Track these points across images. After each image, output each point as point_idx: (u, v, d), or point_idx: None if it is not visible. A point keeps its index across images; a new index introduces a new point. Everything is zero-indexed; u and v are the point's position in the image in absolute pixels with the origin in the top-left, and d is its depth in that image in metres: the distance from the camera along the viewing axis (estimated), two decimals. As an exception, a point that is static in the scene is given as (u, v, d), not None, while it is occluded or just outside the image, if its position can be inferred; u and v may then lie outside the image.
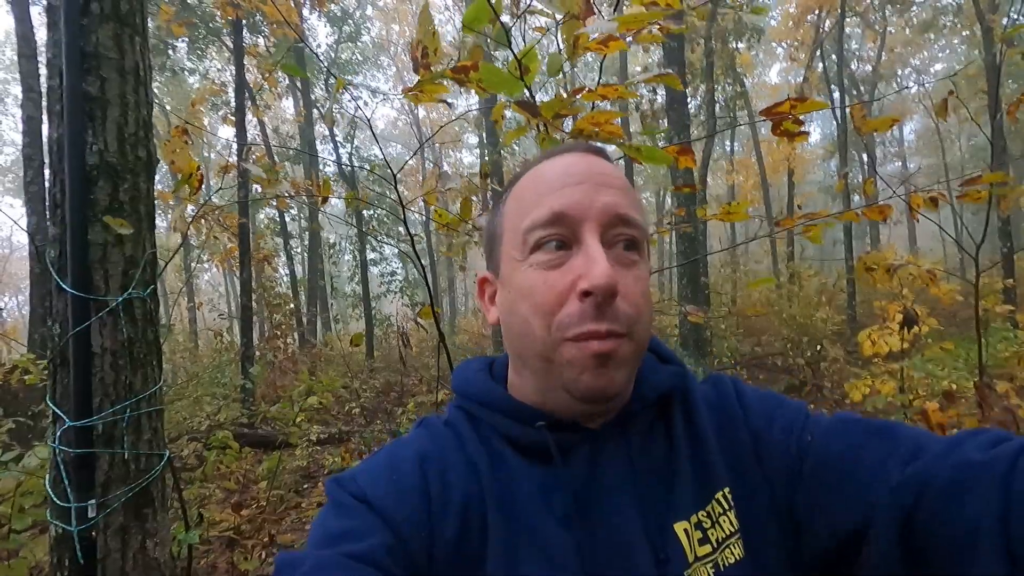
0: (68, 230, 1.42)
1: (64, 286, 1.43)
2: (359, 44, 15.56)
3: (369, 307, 12.15)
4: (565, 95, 1.07)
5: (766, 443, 0.57)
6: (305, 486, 4.28)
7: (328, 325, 14.01)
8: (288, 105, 17.72)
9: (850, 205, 12.44)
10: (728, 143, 21.42)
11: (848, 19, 14.14)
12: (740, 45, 13.08)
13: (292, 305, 10.24)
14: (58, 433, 1.41)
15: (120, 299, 1.50)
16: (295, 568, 0.44)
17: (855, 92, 17.55)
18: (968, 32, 15.35)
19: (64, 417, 1.41)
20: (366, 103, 15.54)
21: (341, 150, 13.89)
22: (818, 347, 6.75)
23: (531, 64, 0.83)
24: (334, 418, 6.20)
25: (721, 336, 9.47)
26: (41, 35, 6.60)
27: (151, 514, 1.57)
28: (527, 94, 0.94)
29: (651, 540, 0.50)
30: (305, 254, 13.93)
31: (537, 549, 0.49)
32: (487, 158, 12.03)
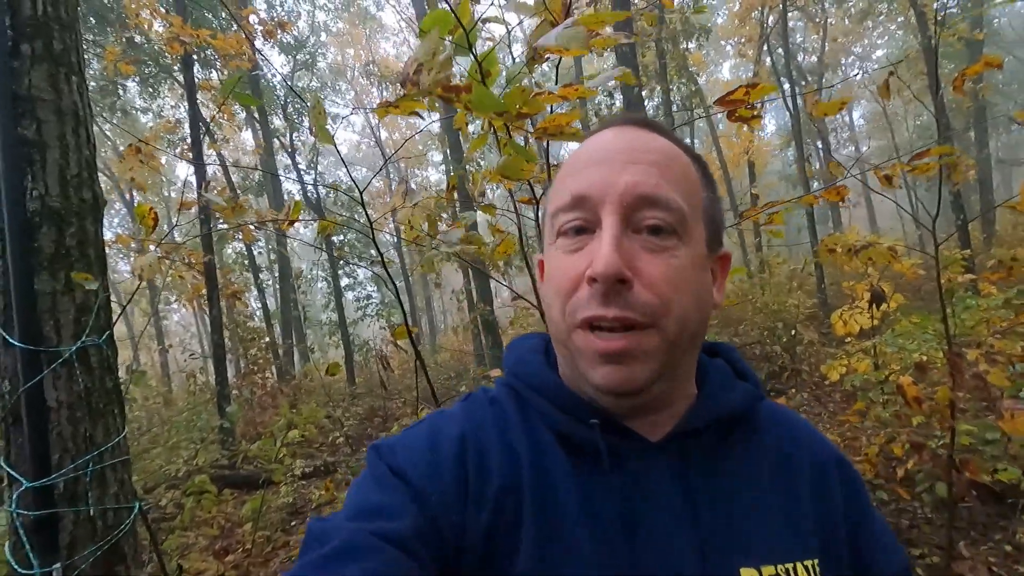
0: (12, 280, 1.35)
1: (11, 340, 1.35)
2: (315, 71, 15.49)
3: (346, 333, 11.98)
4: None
5: (862, 562, 0.55)
6: (293, 523, 4.15)
7: (305, 355, 13.77)
8: (247, 137, 17.51)
9: (809, 191, 12.79)
10: (688, 140, 21.87)
11: (790, 13, 14.65)
12: (690, 45, 13.43)
13: (267, 339, 10.02)
14: (14, 496, 1.33)
15: (73, 349, 1.44)
16: (325, 541, 0.43)
17: (804, 82, 18.13)
18: (903, 18, 16.04)
19: (20, 479, 1.33)
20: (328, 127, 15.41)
21: (305, 177, 13.75)
22: (792, 332, 6.87)
23: (491, 68, 0.82)
24: (318, 450, 6.06)
25: (699, 330, 9.55)
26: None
27: (123, 571, 1.49)
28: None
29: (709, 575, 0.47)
30: (276, 286, 13.69)
31: (573, 557, 0.46)
32: (452, 174, 12.02)
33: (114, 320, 1.63)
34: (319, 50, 15.92)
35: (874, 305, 4.09)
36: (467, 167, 11.50)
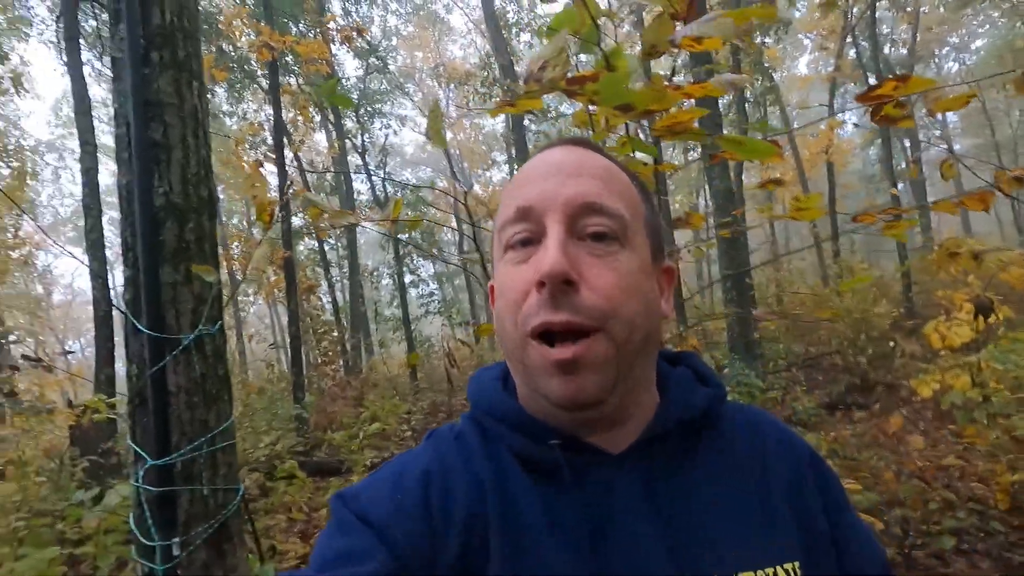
0: (142, 272, 1.46)
1: (140, 327, 1.46)
2: (386, 74, 15.99)
3: (410, 330, 12.29)
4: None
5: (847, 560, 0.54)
6: (363, 512, 4.28)
7: (371, 350, 14.23)
8: (320, 138, 18.31)
9: (896, 193, 11.90)
10: (759, 138, 20.93)
11: (878, 2, 13.72)
12: (767, 39, 12.85)
13: (336, 332, 10.44)
14: (140, 472, 1.44)
15: (192, 337, 1.53)
16: None
17: (890, 76, 16.91)
18: (1009, 3, 14.67)
19: (146, 456, 1.43)
20: (395, 132, 15.92)
21: (374, 177, 14.23)
22: (891, 343, 6.42)
23: (619, 63, 0.80)
24: (387, 442, 6.24)
25: (771, 338, 9.14)
26: (93, 92, 7.02)
27: (230, 550, 1.57)
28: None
29: None
30: (345, 281, 14.23)
31: (541, 569, 0.46)
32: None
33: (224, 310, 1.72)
34: (390, 53, 16.41)
35: (980, 316, 3.76)
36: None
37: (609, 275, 0.48)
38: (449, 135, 22.75)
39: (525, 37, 14.65)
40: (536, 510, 0.48)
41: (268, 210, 1.49)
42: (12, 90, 9.44)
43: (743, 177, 13.34)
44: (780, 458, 0.56)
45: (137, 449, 1.46)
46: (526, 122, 12.79)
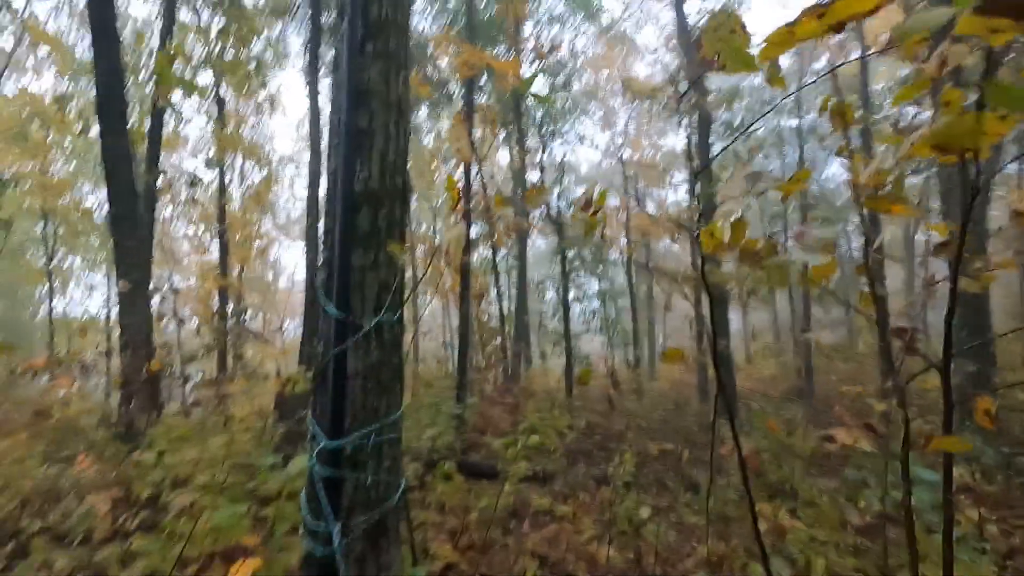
0: (338, 254, 1.48)
1: (328, 308, 1.48)
2: (570, 93, 16.29)
3: (570, 344, 12.19)
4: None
5: None
6: (511, 524, 4.18)
7: (529, 360, 14.42)
8: (502, 155, 19.31)
9: None
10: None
11: None
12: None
13: (500, 339, 10.75)
14: (315, 451, 1.45)
15: (373, 323, 1.52)
16: None
17: None
18: None
19: (321, 435, 1.44)
20: (573, 150, 16.11)
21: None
22: None
23: None
24: (544, 457, 6.14)
25: (1018, 408, 7.15)
26: (325, 109, 8.17)
27: (386, 545, 1.52)
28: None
29: None
30: (512, 291, 14.69)
31: None
32: (698, 192, 11.39)
33: (406, 300, 1.70)
34: (574, 74, 16.71)
35: None
36: (714, 185, 10.71)
37: None
38: (627, 153, 22.38)
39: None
40: None
41: (456, 191, 1.42)
42: (269, 111, 11.54)
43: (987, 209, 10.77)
44: None
45: (315, 427, 1.47)
46: (711, 139, 11.97)
